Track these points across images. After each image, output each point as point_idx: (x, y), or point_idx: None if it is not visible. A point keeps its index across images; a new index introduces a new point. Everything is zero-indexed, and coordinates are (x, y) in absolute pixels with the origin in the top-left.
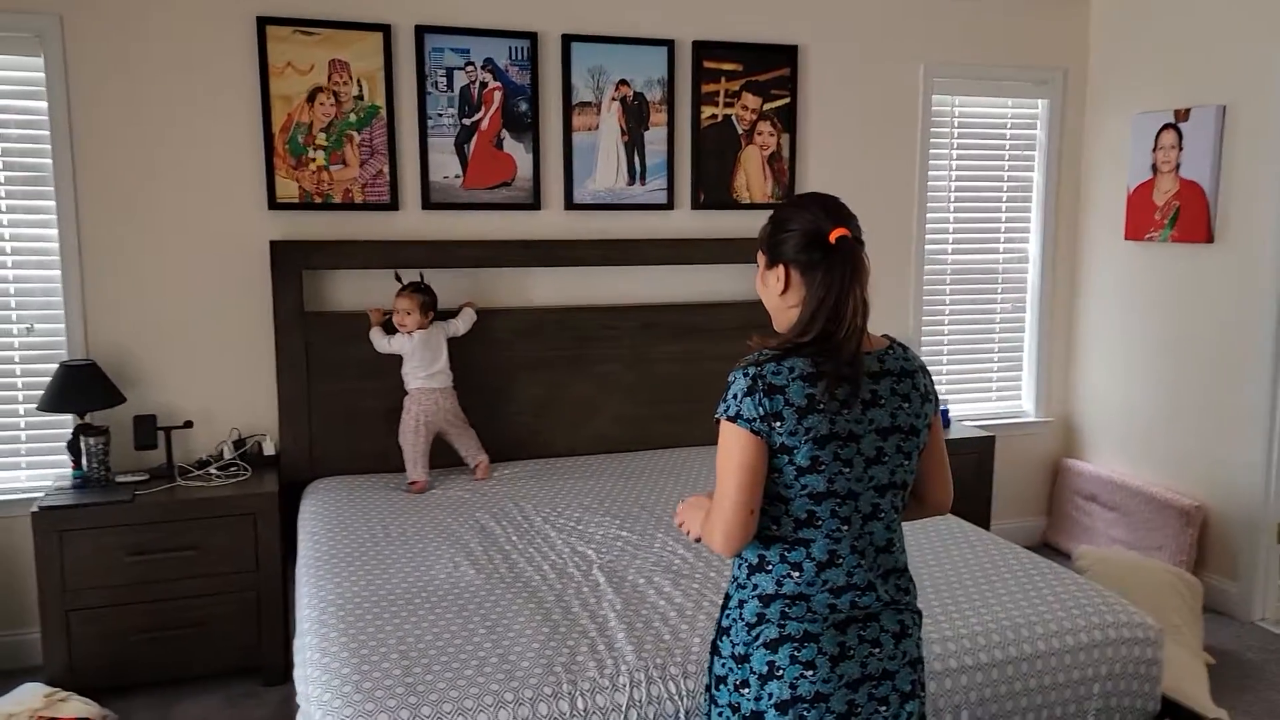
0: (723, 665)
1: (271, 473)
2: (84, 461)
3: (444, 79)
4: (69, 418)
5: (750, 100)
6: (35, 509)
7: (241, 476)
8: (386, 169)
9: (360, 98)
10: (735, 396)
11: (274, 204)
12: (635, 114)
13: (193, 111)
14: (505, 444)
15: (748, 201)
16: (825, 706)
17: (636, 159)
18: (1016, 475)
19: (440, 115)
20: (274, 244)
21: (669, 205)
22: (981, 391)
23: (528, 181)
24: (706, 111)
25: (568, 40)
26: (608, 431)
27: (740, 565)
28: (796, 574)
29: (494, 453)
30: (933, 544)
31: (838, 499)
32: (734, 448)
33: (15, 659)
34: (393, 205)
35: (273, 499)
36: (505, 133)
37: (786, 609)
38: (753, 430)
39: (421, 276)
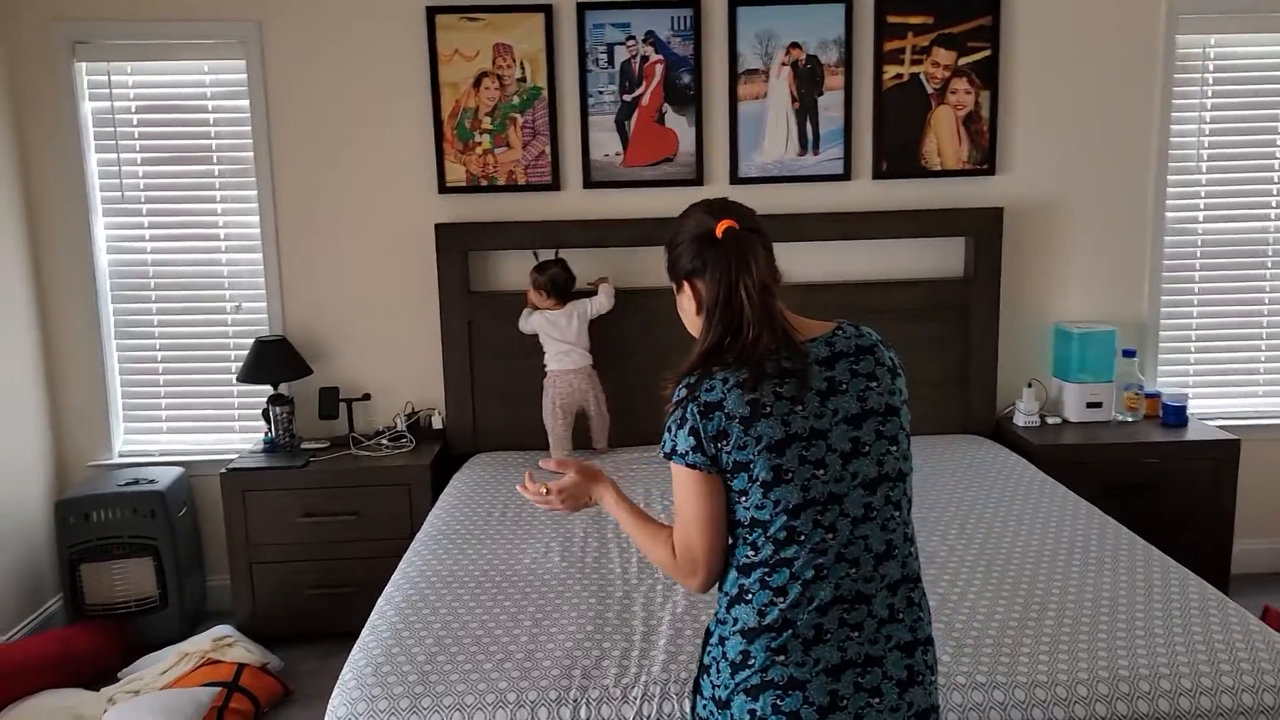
0: (704, 707)
1: (435, 445)
2: (272, 429)
3: (605, 55)
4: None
5: (942, 55)
6: (224, 470)
7: (407, 448)
8: (548, 150)
9: (523, 80)
10: (670, 430)
11: (444, 188)
12: (807, 79)
13: (370, 104)
14: (656, 428)
15: (939, 168)
16: None
17: (809, 127)
18: (1273, 486)
19: (601, 93)
20: (438, 227)
21: (845, 175)
22: (1244, 385)
23: (690, 156)
24: (890, 71)
25: (734, 5)
26: None
27: (721, 598)
28: (780, 599)
29: (644, 436)
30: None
31: (818, 507)
32: (682, 486)
33: (222, 602)
34: (554, 185)
35: (425, 471)
36: (667, 107)
37: (771, 644)
38: (694, 465)
39: (556, 253)
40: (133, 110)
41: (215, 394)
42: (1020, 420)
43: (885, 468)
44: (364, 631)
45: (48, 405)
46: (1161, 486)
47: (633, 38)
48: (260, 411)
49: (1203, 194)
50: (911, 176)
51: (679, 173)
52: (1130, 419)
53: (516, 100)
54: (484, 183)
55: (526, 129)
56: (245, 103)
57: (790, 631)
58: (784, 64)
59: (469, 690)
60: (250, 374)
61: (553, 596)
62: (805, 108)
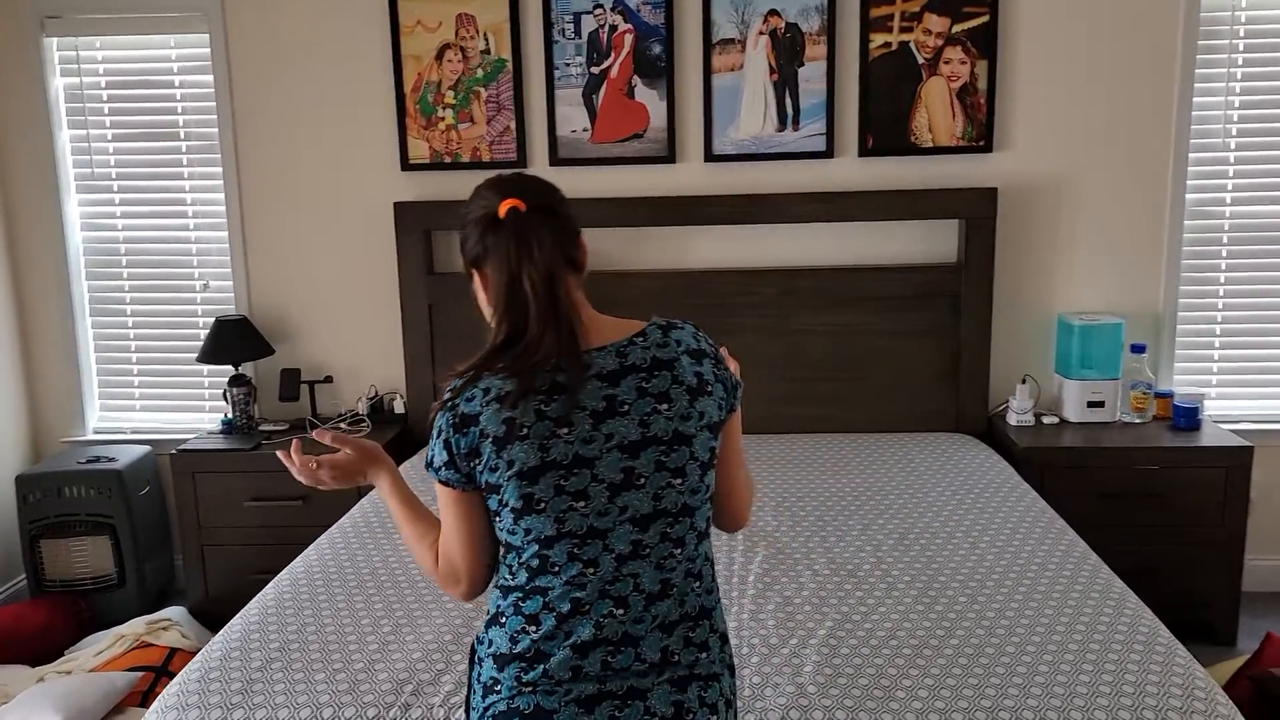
0: None
1: (394, 430)
2: (230, 410)
3: (571, 25)
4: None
5: (935, 22)
6: (174, 450)
7: (364, 432)
8: (513, 125)
9: (487, 52)
10: (431, 440)
11: (406, 165)
12: (787, 48)
13: (333, 78)
14: None
15: (930, 145)
16: None
17: (788, 101)
18: None
19: (568, 65)
20: (397, 205)
21: (828, 153)
22: (1274, 386)
23: (661, 132)
24: (877, 40)
25: None
26: (746, 411)
27: (485, 616)
28: (533, 629)
29: None
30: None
31: (575, 540)
32: (440, 499)
33: (179, 582)
34: (520, 162)
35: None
36: (637, 79)
37: (521, 675)
38: (447, 482)
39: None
40: (102, 86)
41: (185, 373)
42: (1013, 419)
43: (663, 503)
44: (220, 631)
45: (23, 381)
46: (1166, 496)
47: (600, 6)
48: (222, 393)
49: (1230, 173)
50: (900, 154)
51: (649, 149)
52: (1137, 420)
53: (480, 73)
54: (447, 159)
55: (491, 104)
56: (210, 78)
57: (542, 667)
58: (762, 33)
59: (287, 703)
60: (210, 354)
61: (429, 600)
62: (784, 80)
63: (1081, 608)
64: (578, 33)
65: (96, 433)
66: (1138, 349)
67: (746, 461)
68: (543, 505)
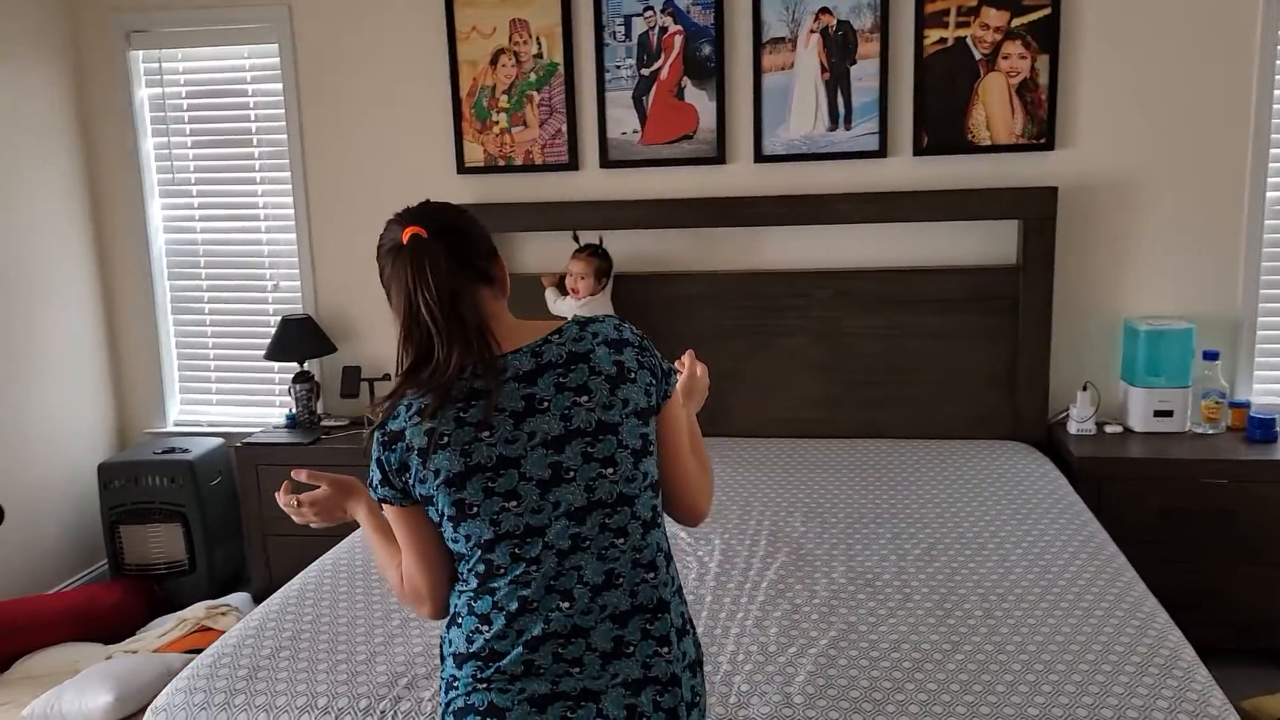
0: None
1: None
2: (294, 405)
3: (622, 28)
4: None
5: (993, 16)
6: (238, 444)
7: None
8: (564, 128)
9: (539, 56)
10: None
11: (462, 168)
12: (839, 46)
13: (394, 84)
14: None
15: (988, 143)
16: None
17: (840, 99)
18: None
19: (618, 67)
20: None
21: (881, 152)
22: None
23: (711, 133)
24: (932, 36)
25: None
26: (793, 414)
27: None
28: (486, 628)
29: None
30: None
31: (514, 540)
32: (389, 518)
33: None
34: (572, 165)
35: None
36: (686, 81)
37: (478, 672)
38: (385, 500)
39: (601, 240)
40: (183, 95)
41: (257, 369)
42: (1073, 427)
43: (597, 494)
44: (243, 619)
45: (110, 375)
46: (1235, 512)
47: (651, 8)
48: (287, 389)
49: None
50: (956, 152)
51: (699, 150)
52: (1210, 431)
53: (533, 77)
54: (501, 163)
55: (543, 107)
56: (279, 85)
57: (496, 665)
58: (813, 31)
59: (287, 691)
60: (276, 351)
61: None
62: (836, 78)
63: (1103, 626)
64: (628, 35)
65: (176, 425)
66: (1210, 355)
67: (710, 452)
68: (475, 509)
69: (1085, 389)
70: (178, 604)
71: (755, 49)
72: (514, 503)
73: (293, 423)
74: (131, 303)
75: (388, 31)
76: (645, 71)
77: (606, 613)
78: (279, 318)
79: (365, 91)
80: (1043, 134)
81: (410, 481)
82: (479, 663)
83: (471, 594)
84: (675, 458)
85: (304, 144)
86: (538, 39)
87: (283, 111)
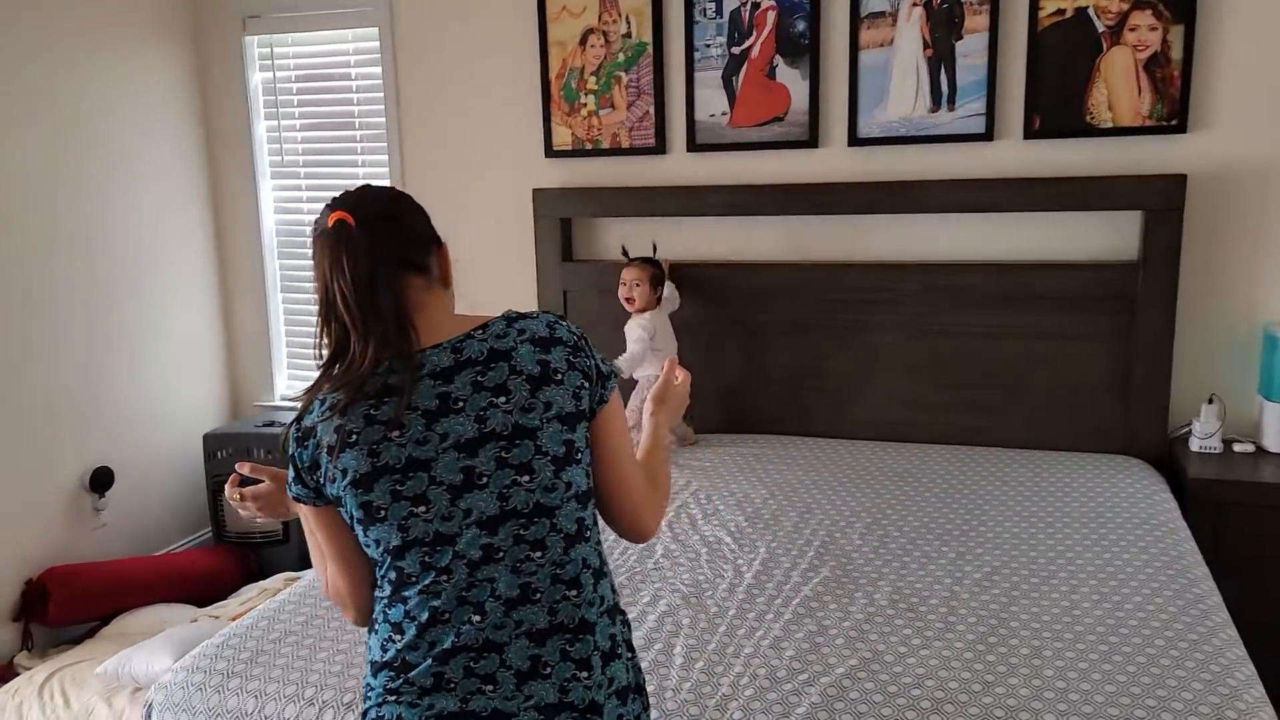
0: None
1: None
2: None
3: (712, 4)
4: None
5: None
6: None
7: None
8: (651, 110)
9: (628, 35)
10: None
11: (550, 152)
12: (943, 20)
13: (486, 67)
14: (755, 414)
15: (1109, 125)
16: None
17: (943, 78)
18: None
19: (708, 46)
20: (535, 192)
21: (987, 135)
22: None
23: (802, 115)
24: (1048, 7)
25: None
26: (877, 417)
27: None
28: (399, 637)
29: (744, 423)
30: None
31: (424, 548)
32: (310, 523)
33: None
34: (659, 149)
35: None
36: (779, 59)
37: (389, 682)
38: (298, 498)
39: (655, 249)
40: (292, 79)
41: None
42: (1195, 444)
43: (511, 503)
44: (274, 598)
45: (224, 349)
46: None
47: None
48: None
49: None
50: (1072, 135)
51: (789, 133)
52: None
53: (621, 58)
54: (589, 146)
55: (631, 88)
56: (379, 69)
57: (406, 677)
58: (915, 4)
59: (280, 679)
60: None
61: None
62: (940, 55)
63: (1169, 675)
64: (719, 12)
65: (283, 399)
66: None
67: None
68: (383, 513)
69: (1211, 402)
70: (270, 573)
71: (852, 24)
72: (423, 508)
73: None
74: (244, 279)
75: (482, 13)
76: (736, 50)
77: (522, 629)
78: None
79: (459, 74)
80: (1174, 114)
81: (321, 480)
82: (391, 672)
83: (386, 601)
84: (613, 466)
85: (401, 127)
86: (627, 18)
87: (382, 95)
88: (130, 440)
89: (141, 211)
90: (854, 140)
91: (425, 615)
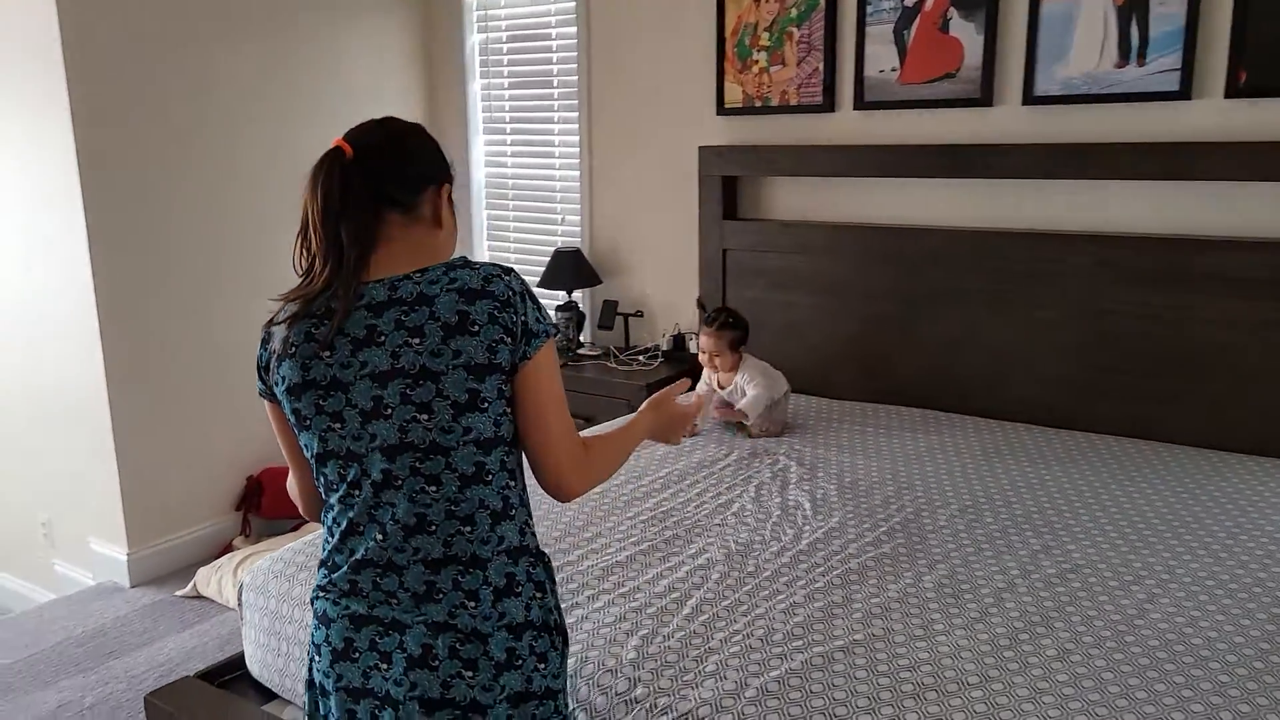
0: None
1: (676, 369)
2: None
3: None
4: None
5: None
6: None
7: (648, 367)
8: (821, 66)
9: None
10: None
11: (721, 109)
12: None
13: (664, 25)
14: (902, 386)
15: None
16: (328, 704)
17: (1134, 29)
18: None
19: None
20: (701, 149)
21: (1183, 93)
22: None
23: (975, 71)
24: None
25: None
26: (1032, 397)
27: None
28: (330, 539)
29: (889, 394)
30: None
31: (339, 460)
32: (270, 418)
33: None
34: (827, 106)
35: (642, 392)
36: (953, 11)
37: (322, 579)
38: (261, 393)
39: (724, 301)
40: (504, 40)
41: (548, 298)
42: None
43: (410, 436)
44: None
45: None
46: None
47: None
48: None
49: None
50: None
51: (961, 90)
52: None
53: (794, 13)
54: (758, 104)
55: (802, 44)
56: (574, 29)
57: (330, 578)
58: None
59: None
60: (549, 280)
61: None
62: (1131, 3)
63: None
64: None
65: None
66: None
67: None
68: (308, 422)
69: None
70: None
71: None
72: (339, 425)
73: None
74: (458, 229)
75: None
76: (909, 2)
77: (419, 556)
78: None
79: (642, 33)
80: None
81: (269, 380)
82: (325, 570)
83: (325, 506)
84: (535, 422)
85: (590, 85)
86: None
87: (576, 54)
88: None
89: None
90: (1029, 98)
91: (345, 524)
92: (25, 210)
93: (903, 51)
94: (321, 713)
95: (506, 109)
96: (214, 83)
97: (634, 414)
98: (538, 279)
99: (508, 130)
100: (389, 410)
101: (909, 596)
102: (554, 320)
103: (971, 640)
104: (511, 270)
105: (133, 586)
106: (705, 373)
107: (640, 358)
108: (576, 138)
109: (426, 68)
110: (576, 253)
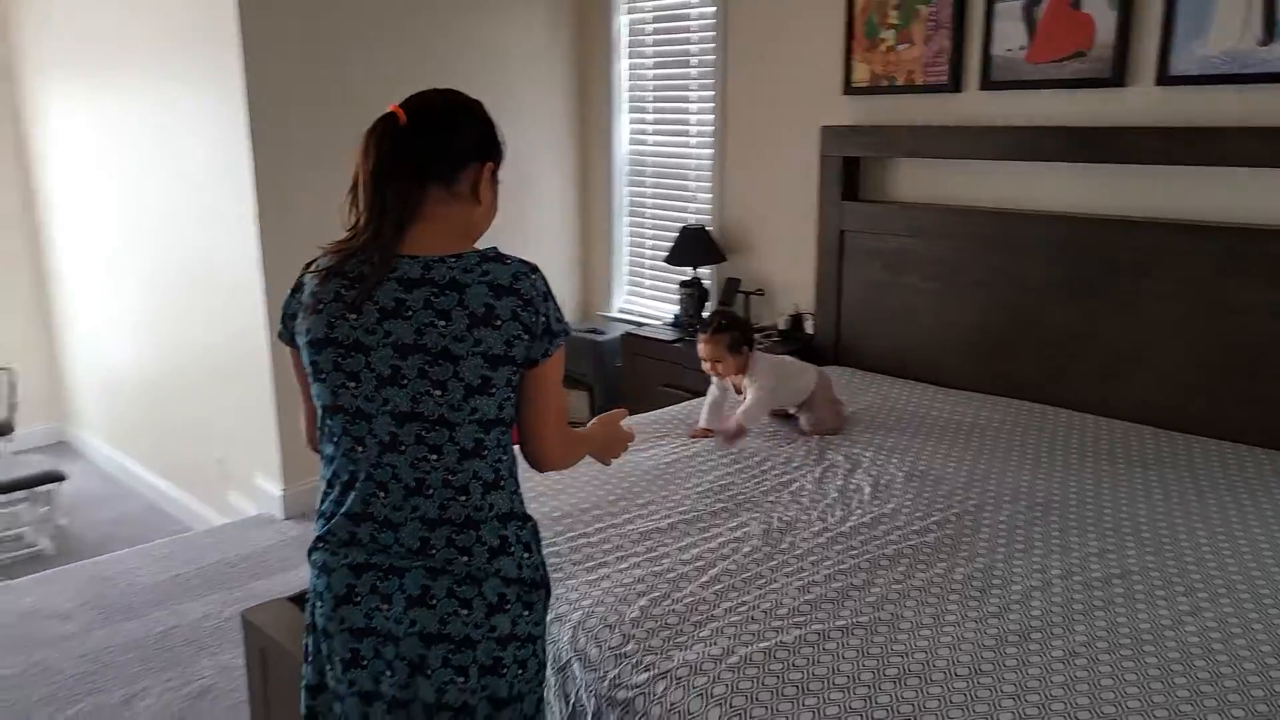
0: None
1: (794, 348)
2: (680, 307)
3: None
4: None
5: None
6: (623, 333)
7: (763, 346)
8: (948, 44)
9: None
10: None
11: (848, 88)
12: None
13: (797, 4)
14: (1012, 377)
15: None
16: (331, 644)
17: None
18: None
19: None
20: (823, 129)
21: None
22: None
23: (1107, 49)
24: None
25: None
26: (1148, 397)
27: None
28: (330, 490)
29: (998, 384)
30: None
31: (347, 416)
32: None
33: None
34: (952, 86)
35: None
36: None
37: (321, 529)
38: (281, 336)
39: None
40: (649, 21)
41: (679, 271)
42: None
43: (420, 407)
44: None
45: (580, 264)
46: None
47: None
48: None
49: None
50: None
51: (1091, 70)
52: None
53: None
54: (884, 83)
55: (930, 22)
56: (714, 8)
57: (329, 528)
58: None
59: None
60: (675, 256)
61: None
62: None
63: None
64: None
65: (620, 311)
66: None
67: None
68: (324, 376)
69: None
70: None
71: None
72: (354, 384)
73: (675, 323)
74: (599, 203)
75: None
76: None
77: (417, 514)
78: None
79: (775, 12)
80: None
81: (293, 327)
82: (323, 520)
83: (324, 458)
84: (535, 414)
85: (727, 64)
86: None
87: (714, 34)
88: None
89: (523, 142)
90: (1164, 79)
91: (345, 477)
92: (202, 181)
93: (1032, 29)
94: (324, 653)
95: (650, 88)
96: (372, 69)
97: (592, 424)
98: (666, 255)
99: (649, 110)
100: (405, 381)
101: (932, 586)
102: (567, 323)
103: (979, 634)
104: (537, 269)
105: (285, 519)
106: (714, 381)
107: (758, 336)
108: (712, 116)
109: (575, 48)
110: (702, 230)
